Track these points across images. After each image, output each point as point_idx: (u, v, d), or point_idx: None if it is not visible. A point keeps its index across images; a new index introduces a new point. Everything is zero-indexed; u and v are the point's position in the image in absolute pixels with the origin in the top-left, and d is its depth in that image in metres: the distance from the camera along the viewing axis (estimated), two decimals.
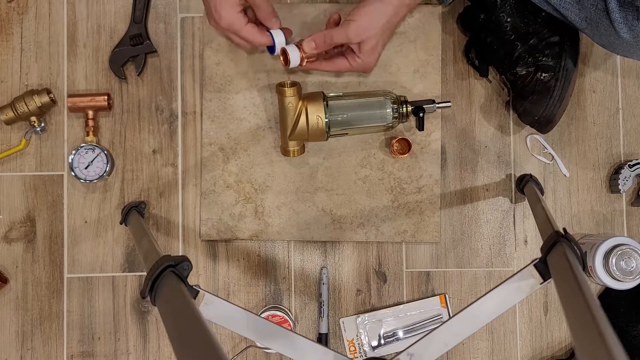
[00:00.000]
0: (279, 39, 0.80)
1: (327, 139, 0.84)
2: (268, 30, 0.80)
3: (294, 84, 0.82)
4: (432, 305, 0.91)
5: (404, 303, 0.92)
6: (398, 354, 0.61)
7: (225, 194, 0.91)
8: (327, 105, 0.82)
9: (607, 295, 0.91)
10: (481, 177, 0.93)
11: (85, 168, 0.90)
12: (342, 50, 0.83)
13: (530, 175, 0.89)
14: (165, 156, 0.92)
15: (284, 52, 0.80)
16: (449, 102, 0.87)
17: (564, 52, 0.85)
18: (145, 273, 0.56)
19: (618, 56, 0.94)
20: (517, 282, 0.61)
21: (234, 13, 0.76)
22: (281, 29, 0.81)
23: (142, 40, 0.91)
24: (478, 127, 0.94)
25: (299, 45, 0.80)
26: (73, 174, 0.90)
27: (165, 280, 0.54)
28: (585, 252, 0.86)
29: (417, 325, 0.91)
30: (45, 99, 0.89)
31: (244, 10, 0.78)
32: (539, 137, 0.93)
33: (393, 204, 0.90)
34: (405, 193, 0.91)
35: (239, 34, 0.78)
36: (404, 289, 0.92)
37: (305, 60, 0.81)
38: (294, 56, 0.80)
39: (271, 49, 0.81)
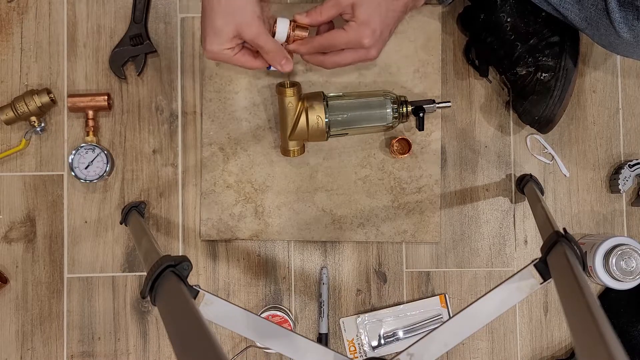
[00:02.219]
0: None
1: (327, 139, 0.84)
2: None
3: (294, 84, 0.82)
4: (432, 305, 0.91)
5: (404, 303, 0.92)
6: (398, 354, 0.61)
7: (225, 194, 0.91)
8: (327, 105, 0.82)
9: (607, 295, 0.91)
10: (481, 177, 0.93)
11: (85, 168, 0.90)
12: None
13: (530, 175, 0.89)
14: (165, 156, 0.92)
15: (275, 24, 0.76)
16: (449, 102, 0.86)
17: (564, 52, 0.85)
18: (145, 273, 0.56)
19: (618, 56, 0.94)
20: (517, 282, 0.61)
21: (219, 49, 0.72)
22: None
23: (142, 40, 0.91)
24: (478, 127, 0.94)
25: (291, 20, 0.76)
26: (73, 174, 0.90)
27: (165, 281, 0.54)
28: (585, 252, 0.86)
29: (417, 325, 0.91)
30: (45, 99, 0.89)
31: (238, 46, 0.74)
32: (539, 137, 0.93)
33: (393, 204, 0.90)
34: (405, 193, 0.91)
35: (230, 64, 0.75)
36: (404, 289, 0.92)
37: (293, 38, 0.76)
38: (282, 28, 0.75)
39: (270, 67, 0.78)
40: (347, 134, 0.86)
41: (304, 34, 0.76)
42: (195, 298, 0.58)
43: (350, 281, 0.92)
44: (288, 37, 0.76)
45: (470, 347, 0.92)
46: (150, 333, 0.91)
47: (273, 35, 0.76)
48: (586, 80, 0.94)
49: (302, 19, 0.75)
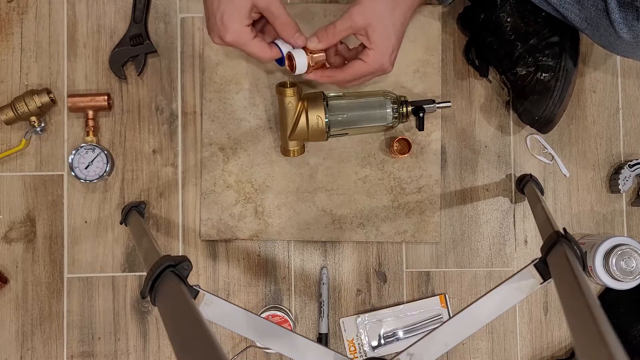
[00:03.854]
0: (286, 48, 0.75)
1: (327, 139, 0.84)
2: (274, 41, 0.75)
3: (293, 84, 0.82)
4: (432, 305, 0.91)
5: (404, 303, 0.92)
6: (398, 354, 0.61)
7: (225, 194, 0.91)
8: (327, 105, 0.82)
9: (607, 295, 0.91)
10: (481, 177, 0.93)
11: (85, 168, 0.90)
12: (354, 54, 0.78)
13: (530, 175, 0.89)
14: (165, 156, 0.92)
15: (290, 57, 0.75)
16: (449, 102, 0.86)
17: (564, 52, 0.85)
18: (145, 273, 0.56)
19: (618, 56, 0.94)
20: (517, 282, 0.61)
21: (241, 26, 0.70)
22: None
23: (142, 40, 0.91)
24: (478, 127, 0.94)
25: (305, 49, 0.75)
26: (73, 174, 0.90)
27: (165, 280, 0.54)
28: (585, 252, 0.86)
29: (417, 325, 0.91)
30: (45, 99, 0.89)
31: (252, 24, 0.73)
32: (539, 137, 0.93)
33: (393, 204, 0.90)
34: (405, 193, 0.91)
35: (244, 49, 0.73)
36: (404, 289, 0.92)
37: (313, 68, 0.75)
38: (301, 60, 0.74)
39: (280, 60, 0.76)
40: (347, 134, 0.86)
41: (322, 58, 0.76)
42: (195, 298, 0.58)
43: (350, 281, 0.92)
44: (308, 66, 0.75)
45: (470, 347, 0.92)
46: (150, 333, 0.91)
47: (292, 69, 0.75)
48: (586, 80, 0.94)
49: (316, 46, 0.74)
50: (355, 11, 0.72)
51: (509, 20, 0.85)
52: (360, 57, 0.75)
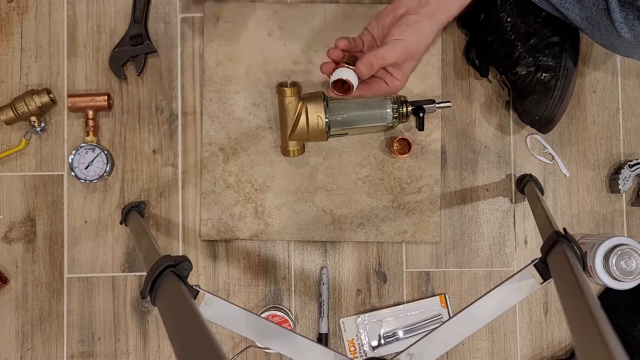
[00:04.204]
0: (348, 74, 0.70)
1: (327, 139, 0.84)
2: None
3: (294, 84, 0.82)
4: (432, 305, 0.91)
5: (404, 303, 0.92)
6: (398, 354, 0.61)
7: (225, 194, 0.91)
8: (327, 105, 0.82)
9: (607, 295, 0.91)
10: (481, 177, 0.93)
11: (85, 168, 0.90)
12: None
13: (530, 175, 0.89)
14: (165, 156, 0.92)
15: (343, 81, 0.69)
16: (449, 102, 0.86)
17: (564, 52, 0.85)
18: (145, 273, 0.56)
19: (618, 56, 0.94)
20: (517, 282, 0.61)
21: None
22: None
23: (142, 40, 0.91)
24: (478, 127, 0.94)
25: (349, 67, 0.70)
26: (73, 174, 0.90)
27: (165, 280, 0.54)
28: (585, 252, 0.86)
29: (417, 325, 0.91)
30: (45, 99, 0.89)
31: None
32: (539, 137, 0.93)
33: (393, 204, 0.90)
34: (405, 193, 0.91)
35: None
36: (404, 289, 0.92)
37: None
38: (355, 80, 0.70)
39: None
40: (347, 134, 0.86)
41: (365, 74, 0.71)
42: (195, 298, 0.58)
43: (350, 281, 0.92)
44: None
45: (470, 347, 0.92)
46: (150, 333, 0.91)
47: (344, 92, 0.71)
48: (586, 80, 0.94)
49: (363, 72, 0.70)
50: (402, 48, 0.69)
51: (509, 20, 0.85)
52: (385, 79, 0.72)
